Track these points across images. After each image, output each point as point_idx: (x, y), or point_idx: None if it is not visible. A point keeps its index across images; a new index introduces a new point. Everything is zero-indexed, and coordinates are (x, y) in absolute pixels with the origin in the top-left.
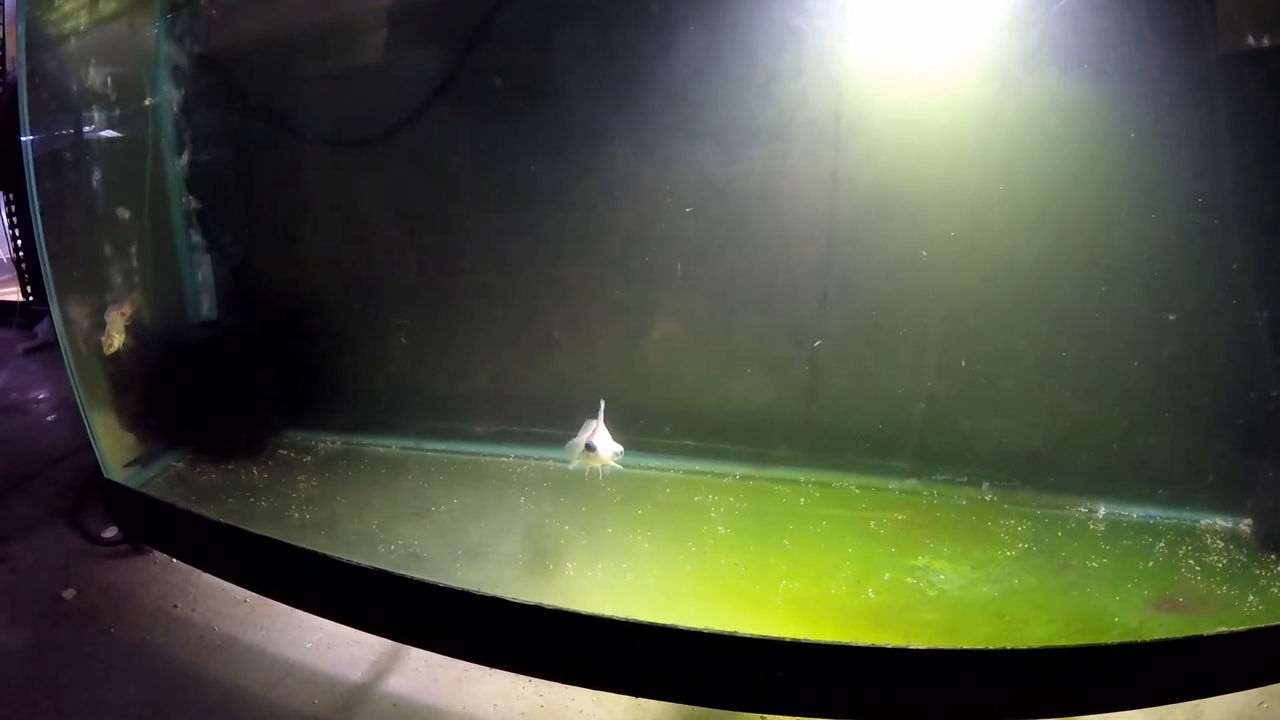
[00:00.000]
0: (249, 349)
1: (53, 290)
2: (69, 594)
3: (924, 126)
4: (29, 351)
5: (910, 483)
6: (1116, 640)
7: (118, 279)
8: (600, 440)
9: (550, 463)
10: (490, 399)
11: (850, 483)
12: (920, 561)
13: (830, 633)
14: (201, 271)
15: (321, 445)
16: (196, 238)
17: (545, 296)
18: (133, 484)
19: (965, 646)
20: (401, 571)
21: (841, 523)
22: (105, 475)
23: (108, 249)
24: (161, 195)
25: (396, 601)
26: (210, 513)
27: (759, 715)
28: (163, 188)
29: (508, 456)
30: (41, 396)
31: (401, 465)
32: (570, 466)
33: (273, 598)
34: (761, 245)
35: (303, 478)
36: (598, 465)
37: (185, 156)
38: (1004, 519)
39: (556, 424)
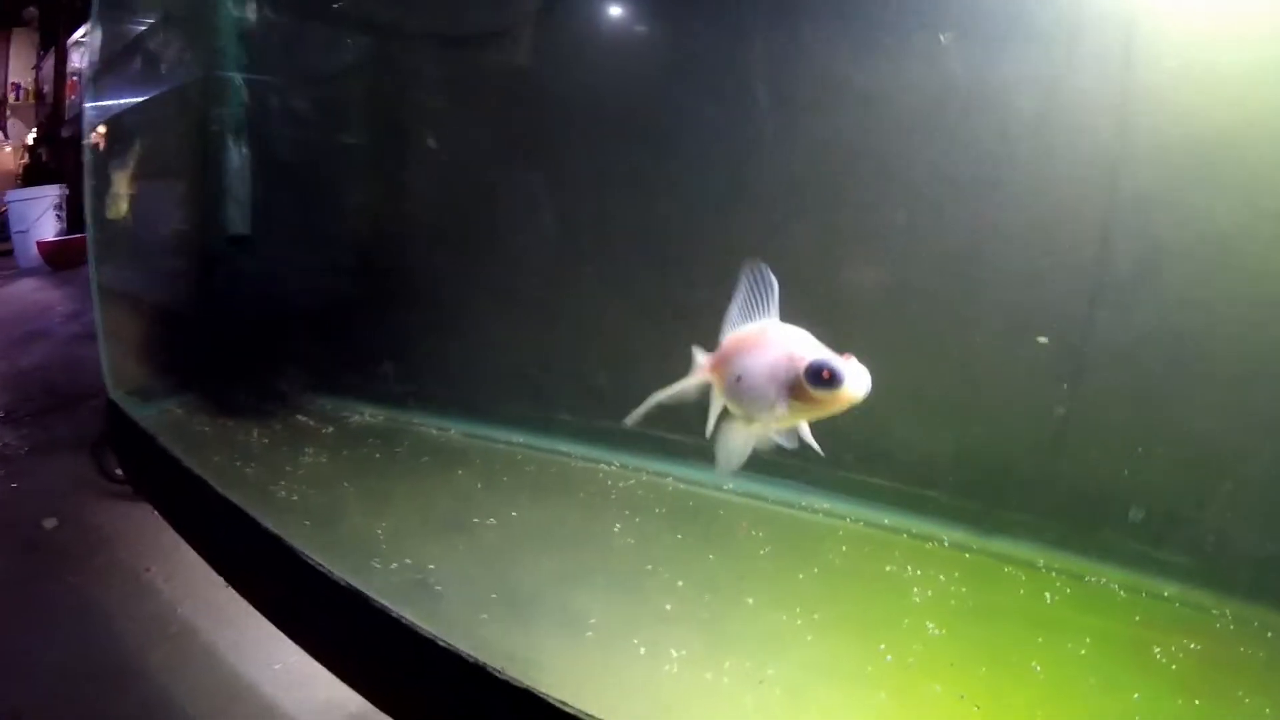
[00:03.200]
0: (278, 288)
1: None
2: (50, 524)
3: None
4: None
5: (1195, 591)
6: None
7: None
8: (797, 342)
9: (670, 481)
10: (595, 386)
11: (1111, 578)
12: None
13: None
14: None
15: (355, 417)
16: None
17: (675, 258)
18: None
19: None
20: (384, 603)
21: (1110, 642)
22: (109, 394)
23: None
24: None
25: (375, 647)
26: (183, 456)
27: None
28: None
29: (610, 464)
30: None
31: (456, 455)
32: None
33: (223, 577)
34: (1011, 203)
35: (311, 450)
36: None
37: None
38: None
39: (682, 430)
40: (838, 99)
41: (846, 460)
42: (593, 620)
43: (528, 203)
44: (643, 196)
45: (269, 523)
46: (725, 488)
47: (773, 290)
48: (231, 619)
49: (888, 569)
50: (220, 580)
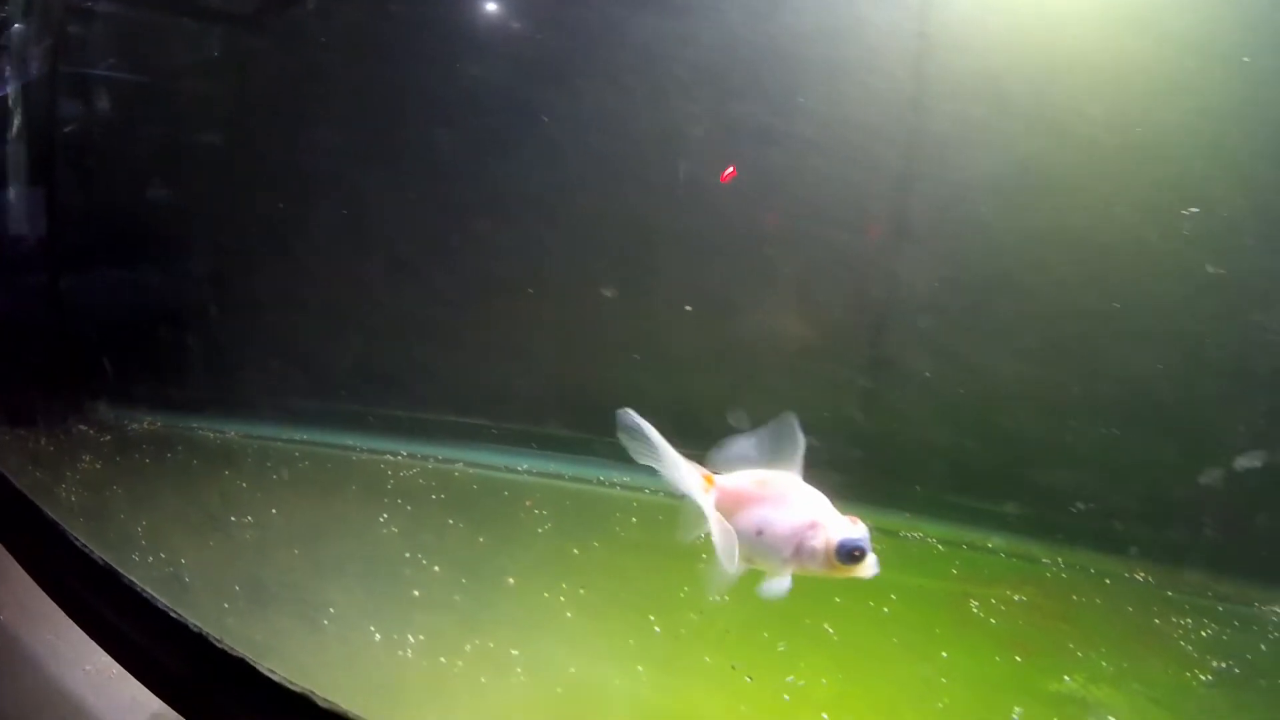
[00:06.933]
0: (63, 291)
1: None
2: None
3: None
4: None
5: (1024, 542)
6: None
7: None
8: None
9: (458, 467)
10: (380, 372)
11: (929, 533)
12: (1070, 685)
13: None
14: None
15: (134, 425)
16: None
17: (456, 242)
18: None
19: None
20: (130, 579)
21: (920, 599)
22: None
23: None
24: None
25: (127, 618)
26: None
27: None
28: None
29: (396, 454)
30: None
31: (228, 457)
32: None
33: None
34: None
35: (88, 458)
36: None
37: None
38: (1174, 614)
39: (474, 413)
40: (613, 54)
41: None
42: (332, 610)
43: (308, 199)
44: (417, 189)
45: (51, 514)
46: (520, 469)
47: (799, 447)
48: (50, 622)
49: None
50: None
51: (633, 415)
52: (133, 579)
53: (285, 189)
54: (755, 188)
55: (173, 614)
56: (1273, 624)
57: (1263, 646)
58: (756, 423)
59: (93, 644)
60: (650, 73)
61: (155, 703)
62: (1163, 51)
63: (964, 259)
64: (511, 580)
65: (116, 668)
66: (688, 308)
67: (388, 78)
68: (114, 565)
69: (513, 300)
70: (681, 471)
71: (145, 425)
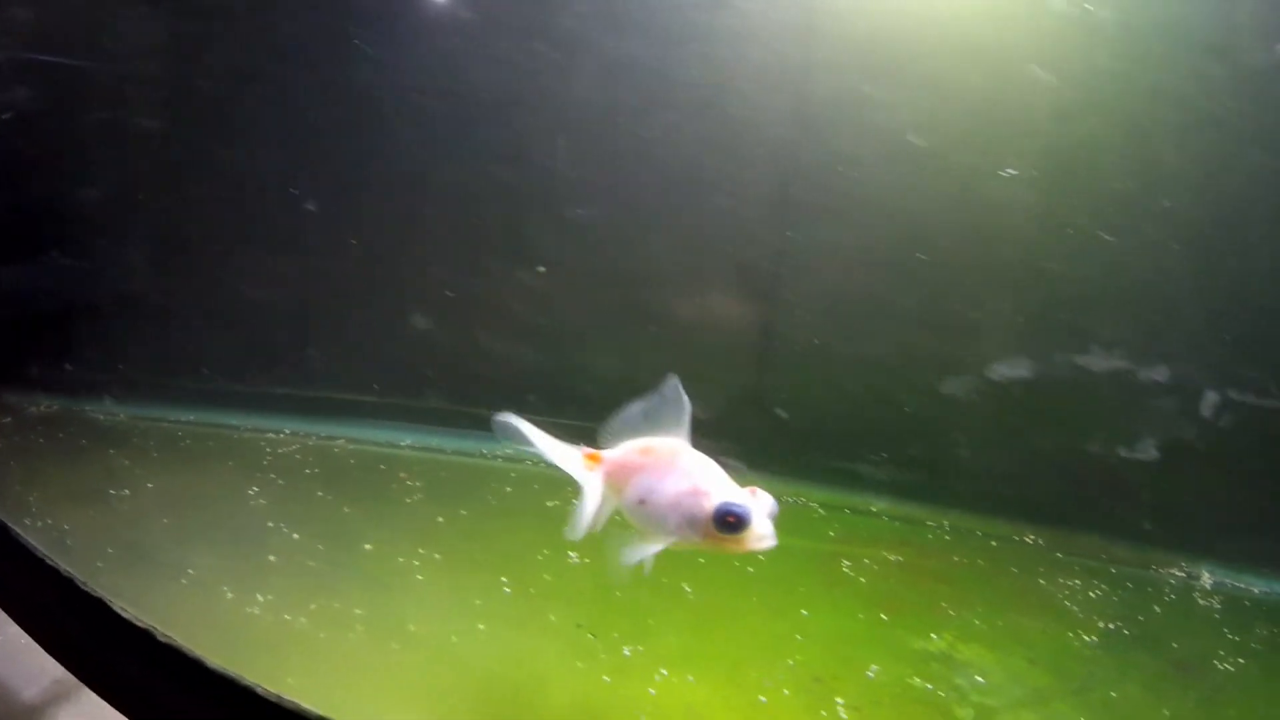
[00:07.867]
0: None
1: None
2: None
3: None
4: None
5: (907, 505)
6: None
7: None
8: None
9: (340, 443)
10: (272, 353)
11: (811, 496)
12: (937, 643)
13: None
14: None
15: (32, 408)
16: None
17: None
18: None
19: None
20: (15, 529)
21: (789, 559)
22: None
23: None
24: None
25: (12, 578)
26: None
27: None
28: None
29: (279, 431)
30: None
31: (115, 437)
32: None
33: None
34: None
35: None
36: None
37: None
38: (1063, 575)
39: (362, 388)
40: (485, 22)
41: (529, 401)
42: (191, 571)
43: (187, 186)
44: (289, 166)
45: None
46: (401, 444)
47: (685, 410)
48: None
49: (550, 504)
50: None
51: (509, 419)
52: (18, 531)
53: (169, 176)
54: (636, 158)
55: (48, 561)
56: (1170, 586)
57: (1156, 608)
58: (643, 391)
59: (4, 615)
60: (525, 42)
61: (59, 670)
62: (1042, 19)
63: (849, 226)
64: (369, 546)
65: (25, 637)
66: (540, 269)
67: (249, 50)
68: (4, 520)
69: (396, 275)
70: (563, 459)
71: (42, 408)
